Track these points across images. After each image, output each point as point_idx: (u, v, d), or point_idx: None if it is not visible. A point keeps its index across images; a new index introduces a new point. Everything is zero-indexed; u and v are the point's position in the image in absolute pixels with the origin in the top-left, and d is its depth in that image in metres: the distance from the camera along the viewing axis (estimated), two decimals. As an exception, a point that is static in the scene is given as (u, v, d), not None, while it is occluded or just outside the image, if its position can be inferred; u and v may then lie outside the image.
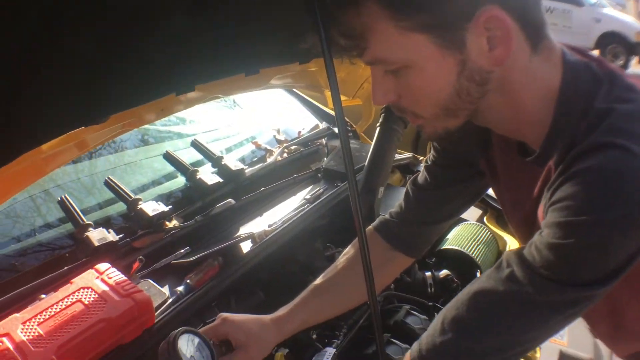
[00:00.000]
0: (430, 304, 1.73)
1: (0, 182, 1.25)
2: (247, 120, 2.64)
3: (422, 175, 1.30)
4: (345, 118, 2.63)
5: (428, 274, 1.85)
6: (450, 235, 2.01)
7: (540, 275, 0.85)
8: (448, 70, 0.86)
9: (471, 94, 0.89)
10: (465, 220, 2.09)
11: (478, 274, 1.84)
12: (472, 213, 2.19)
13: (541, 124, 0.90)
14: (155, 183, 1.99)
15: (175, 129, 2.37)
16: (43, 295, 1.32)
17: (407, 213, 1.32)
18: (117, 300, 1.26)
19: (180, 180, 2.00)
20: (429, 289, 1.81)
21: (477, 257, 1.88)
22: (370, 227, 1.38)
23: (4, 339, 1.16)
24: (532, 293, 0.86)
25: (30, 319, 1.22)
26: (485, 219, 2.19)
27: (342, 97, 2.28)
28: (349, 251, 1.37)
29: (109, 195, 1.78)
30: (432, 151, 1.28)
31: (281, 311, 1.29)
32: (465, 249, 1.91)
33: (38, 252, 1.59)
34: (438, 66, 0.86)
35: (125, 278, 1.33)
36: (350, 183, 0.97)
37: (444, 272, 1.85)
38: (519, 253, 0.90)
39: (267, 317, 1.28)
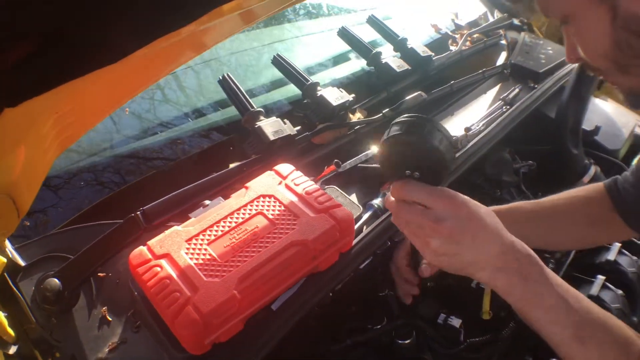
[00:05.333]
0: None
1: (154, 57, 0.87)
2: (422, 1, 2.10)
3: None
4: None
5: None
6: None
7: None
8: (600, 18, 0.74)
9: (633, 47, 0.74)
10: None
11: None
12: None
13: None
14: (328, 65, 1.54)
15: (345, 5, 1.87)
16: (207, 202, 0.94)
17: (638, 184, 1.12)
18: (312, 217, 0.86)
19: (356, 64, 1.53)
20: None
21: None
22: (601, 183, 1.18)
23: (163, 262, 0.79)
24: None
25: (197, 234, 0.84)
26: None
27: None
28: (574, 192, 1.17)
29: (276, 75, 1.34)
30: None
31: None
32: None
33: (191, 144, 1.20)
34: (590, 15, 0.75)
35: (317, 186, 0.92)
36: None
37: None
38: None
39: None
